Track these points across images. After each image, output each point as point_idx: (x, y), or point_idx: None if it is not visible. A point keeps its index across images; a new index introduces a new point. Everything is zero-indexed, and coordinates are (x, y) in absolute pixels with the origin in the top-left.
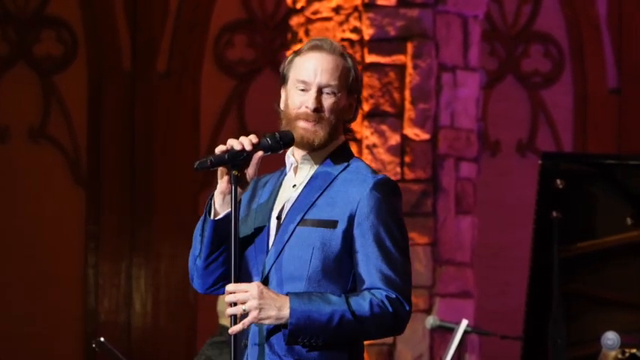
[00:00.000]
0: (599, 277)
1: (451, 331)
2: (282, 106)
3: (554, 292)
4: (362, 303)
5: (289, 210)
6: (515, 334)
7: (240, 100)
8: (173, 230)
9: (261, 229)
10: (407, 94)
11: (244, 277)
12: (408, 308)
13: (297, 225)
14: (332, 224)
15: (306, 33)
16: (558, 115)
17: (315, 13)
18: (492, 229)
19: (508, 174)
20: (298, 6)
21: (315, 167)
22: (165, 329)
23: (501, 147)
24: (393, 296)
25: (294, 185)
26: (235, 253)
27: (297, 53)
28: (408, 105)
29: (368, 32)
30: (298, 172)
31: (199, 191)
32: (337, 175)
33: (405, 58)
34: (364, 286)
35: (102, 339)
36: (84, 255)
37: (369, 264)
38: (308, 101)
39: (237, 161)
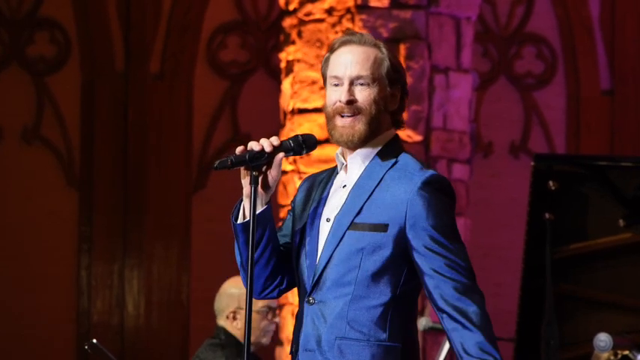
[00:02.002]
0: (592, 279)
1: (444, 333)
2: (325, 107)
3: (547, 294)
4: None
5: (338, 213)
6: (508, 335)
7: (234, 102)
8: (166, 231)
9: (312, 231)
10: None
11: (298, 279)
12: (477, 312)
13: (348, 229)
14: (383, 228)
15: (299, 35)
16: (551, 116)
17: (307, 14)
18: (485, 230)
19: (500, 175)
20: (291, 7)
21: (364, 166)
22: (158, 330)
23: (494, 148)
24: (468, 291)
25: (345, 186)
26: (252, 255)
27: (331, 52)
28: None
29: None
30: (348, 171)
31: (192, 192)
32: (385, 174)
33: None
34: (433, 286)
35: (94, 340)
36: (76, 256)
37: (434, 263)
38: (341, 95)
39: (257, 162)
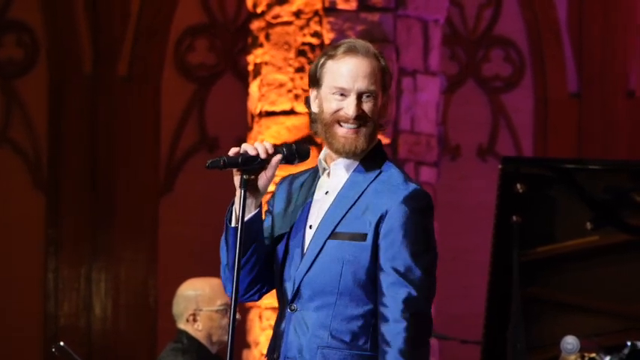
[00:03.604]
0: (559, 282)
1: None
2: (314, 109)
3: (514, 297)
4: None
5: (321, 221)
6: (475, 338)
7: (201, 104)
8: (134, 235)
9: (296, 237)
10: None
11: (279, 285)
12: (426, 320)
13: (328, 238)
14: (362, 237)
15: (267, 37)
16: (519, 119)
17: (275, 17)
18: (452, 233)
19: (468, 178)
20: (259, 10)
21: (348, 174)
22: (126, 333)
23: (462, 151)
24: (409, 317)
25: (327, 192)
26: (239, 259)
27: (329, 56)
28: None
29: (329, 36)
30: (332, 177)
31: (160, 195)
32: (368, 185)
33: None
34: (383, 306)
35: (62, 343)
36: (44, 259)
37: (388, 277)
38: (348, 108)
39: (249, 166)
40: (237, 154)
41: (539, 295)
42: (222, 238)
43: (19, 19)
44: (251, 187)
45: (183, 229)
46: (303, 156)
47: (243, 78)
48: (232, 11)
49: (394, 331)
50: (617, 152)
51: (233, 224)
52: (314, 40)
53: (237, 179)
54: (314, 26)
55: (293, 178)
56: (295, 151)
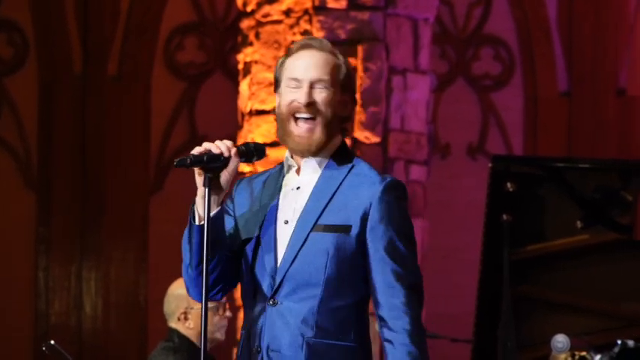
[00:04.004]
0: (550, 280)
1: None
2: (277, 109)
3: (505, 295)
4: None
5: (300, 215)
6: (466, 336)
7: (191, 103)
8: (123, 233)
9: (268, 233)
10: (357, 97)
11: (250, 280)
12: (412, 323)
13: (311, 231)
14: (346, 229)
15: (257, 36)
16: (509, 117)
17: (265, 16)
18: (442, 231)
19: (458, 177)
20: (249, 9)
21: (319, 169)
22: (116, 332)
23: (452, 150)
24: (408, 300)
25: (299, 187)
26: (207, 257)
27: (287, 55)
28: (358, 108)
29: (318, 35)
30: (302, 174)
31: (150, 194)
32: (344, 179)
33: (356, 61)
34: (380, 290)
35: (52, 342)
36: (34, 258)
37: (385, 268)
38: (300, 97)
39: (213, 164)
40: (202, 153)
41: (530, 293)
42: (185, 237)
43: (9, 18)
44: (214, 185)
45: (174, 227)
46: (261, 154)
47: (233, 76)
48: (222, 10)
49: (396, 317)
50: (608, 151)
51: (197, 222)
52: None
53: (199, 178)
54: (304, 25)
55: (250, 179)
56: (253, 149)
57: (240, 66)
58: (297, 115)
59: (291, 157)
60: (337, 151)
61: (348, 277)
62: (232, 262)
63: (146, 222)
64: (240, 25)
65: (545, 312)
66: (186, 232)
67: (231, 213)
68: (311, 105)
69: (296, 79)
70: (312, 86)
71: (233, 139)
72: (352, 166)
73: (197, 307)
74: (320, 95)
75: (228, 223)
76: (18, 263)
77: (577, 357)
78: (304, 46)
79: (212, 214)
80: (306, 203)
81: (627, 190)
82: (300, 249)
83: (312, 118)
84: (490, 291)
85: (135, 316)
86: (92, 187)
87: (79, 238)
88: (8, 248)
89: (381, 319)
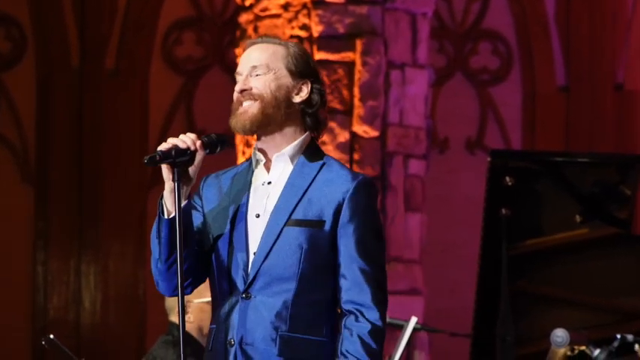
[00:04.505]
0: (548, 275)
1: (400, 329)
2: None
3: (503, 290)
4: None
5: (273, 210)
6: (465, 331)
7: (189, 98)
8: (122, 227)
9: (239, 227)
10: (356, 91)
11: (221, 274)
12: (380, 319)
13: (285, 225)
14: (319, 224)
15: (255, 30)
16: (507, 112)
17: (263, 10)
18: (441, 226)
19: (457, 171)
20: (247, 3)
21: (291, 165)
22: (115, 326)
23: (450, 144)
24: (368, 306)
25: (270, 182)
26: (180, 251)
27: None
28: (357, 102)
29: (317, 29)
30: (273, 168)
31: (148, 188)
32: (317, 174)
33: (354, 56)
34: (347, 286)
35: (51, 336)
36: (33, 252)
37: (353, 265)
38: (237, 86)
39: (182, 158)
40: (169, 148)
41: (529, 288)
42: (153, 232)
43: (7, 13)
44: (183, 178)
45: None
46: (224, 144)
47: (231, 71)
48: (220, 4)
49: (361, 312)
50: (605, 145)
51: (166, 216)
52: (302, 33)
53: (168, 173)
54: (302, 19)
55: (217, 175)
56: (216, 140)
57: (239, 60)
58: (235, 101)
59: (259, 151)
60: (308, 148)
61: (322, 271)
62: (201, 257)
63: (144, 216)
64: (238, 19)
65: (544, 307)
66: (155, 226)
67: (199, 209)
68: (244, 91)
69: (238, 72)
70: (249, 75)
71: (231, 133)
72: (324, 163)
73: (196, 300)
74: (256, 80)
75: (197, 219)
76: (16, 258)
77: (576, 351)
78: (251, 43)
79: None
80: (279, 198)
81: (626, 184)
82: (274, 243)
83: (250, 100)
84: (489, 285)
85: (133, 310)
86: (90, 182)
87: (78, 232)
88: (6, 243)
89: (346, 312)
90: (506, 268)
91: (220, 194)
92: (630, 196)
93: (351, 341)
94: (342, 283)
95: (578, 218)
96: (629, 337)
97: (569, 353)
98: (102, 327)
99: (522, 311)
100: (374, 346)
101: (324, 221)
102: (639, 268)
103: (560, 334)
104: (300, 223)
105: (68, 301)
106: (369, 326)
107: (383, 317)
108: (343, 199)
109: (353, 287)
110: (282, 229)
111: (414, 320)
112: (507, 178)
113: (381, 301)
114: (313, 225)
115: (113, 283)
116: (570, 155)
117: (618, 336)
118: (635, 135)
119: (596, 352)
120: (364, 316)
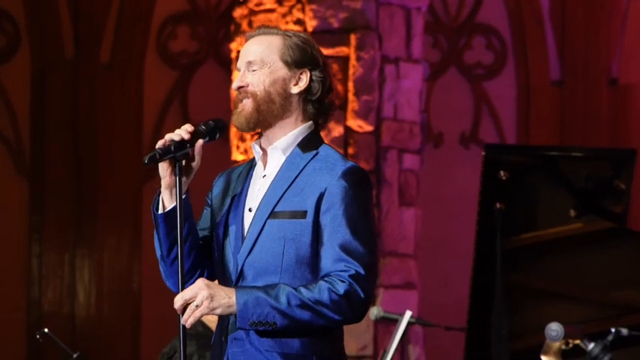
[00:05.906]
0: (543, 269)
1: (395, 322)
2: None
3: (498, 284)
4: (311, 287)
5: (260, 203)
6: (459, 325)
7: (183, 91)
8: (117, 221)
9: (236, 221)
10: (350, 85)
11: (219, 269)
12: (363, 295)
13: (268, 218)
14: (301, 215)
15: (250, 24)
16: (501, 106)
17: (258, 4)
18: (436, 220)
19: (451, 166)
20: None
21: (284, 157)
22: (109, 320)
23: (444, 139)
24: (347, 275)
25: (264, 176)
26: (181, 247)
27: None
28: (351, 97)
29: (311, 24)
30: (268, 161)
31: (143, 182)
32: (306, 165)
33: (349, 50)
34: (327, 262)
35: (46, 329)
36: (27, 245)
37: (331, 247)
38: (234, 83)
39: (181, 152)
40: (168, 144)
41: (523, 282)
42: (155, 230)
43: (1, 7)
44: (185, 173)
45: None
46: (221, 128)
47: (225, 65)
48: None
49: (338, 277)
50: (600, 139)
51: (161, 211)
52: (297, 28)
53: (165, 169)
54: (297, 14)
55: (231, 171)
56: (214, 126)
57: (233, 55)
58: (240, 102)
59: (258, 145)
60: (305, 137)
61: (307, 263)
62: (205, 250)
63: (139, 210)
64: (233, 13)
65: (539, 301)
66: (155, 225)
67: (210, 205)
68: (240, 88)
69: (238, 69)
70: (246, 70)
71: (226, 127)
72: (317, 153)
73: None
74: (251, 76)
75: (206, 213)
76: (11, 251)
77: (571, 345)
78: (248, 37)
79: (174, 204)
80: (267, 191)
81: (620, 178)
82: (257, 237)
83: (246, 98)
84: (483, 279)
85: (128, 304)
86: (85, 175)
87: (73, 225)
88: (1, 236)
89: (322, 276)
90: (501, 262)
91: (226, 190)
92: (625, 190)
93: (320, 289)
94: (322, 261)
95: (572, 212)
96: (624, 330)
97: (563, 347)
98: (96, 320)
99: (517, 305)
100: (329, 311)
101: (306, 211)
102: (633, 262)
103: (554, 328)
104: (282, 215)
105: (63, 294)
106: (345, 288)
107: (352, 292)
108: (326, 188)
109: (335, 263)
110: (265, 222)
111: (408, 314)
112: (502, 173)
113: (360, 279)
114: (295, 216)
115: (108, 277)
116: (565, 149)
117: (613, 330)
118: (630, 129)
119: (591, 345)
120: (338, 282)
